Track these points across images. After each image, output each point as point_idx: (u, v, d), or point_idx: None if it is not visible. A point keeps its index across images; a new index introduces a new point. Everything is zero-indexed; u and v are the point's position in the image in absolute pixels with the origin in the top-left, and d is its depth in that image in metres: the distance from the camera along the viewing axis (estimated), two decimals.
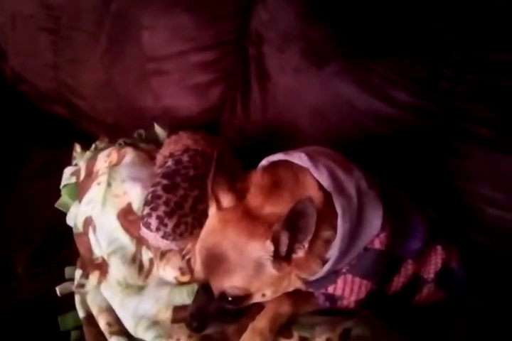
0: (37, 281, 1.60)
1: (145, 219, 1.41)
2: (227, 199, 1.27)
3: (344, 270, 1.28)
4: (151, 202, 1.43)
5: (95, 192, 1.59)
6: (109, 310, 1.43)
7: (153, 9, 1.96)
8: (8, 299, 1.56)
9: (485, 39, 1.61)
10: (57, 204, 1.72)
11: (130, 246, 1.50)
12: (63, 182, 1.74)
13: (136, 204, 1.52)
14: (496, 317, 1.49)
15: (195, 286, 1.33)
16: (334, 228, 1.23)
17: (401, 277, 1.37)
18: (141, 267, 1.47)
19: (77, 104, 2.17)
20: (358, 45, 1.74)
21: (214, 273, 1.21)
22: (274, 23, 1.87)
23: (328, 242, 1.23)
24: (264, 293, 1.23)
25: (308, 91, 1.80)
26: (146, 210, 1.42)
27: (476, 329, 1.41)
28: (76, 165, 1.79)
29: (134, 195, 1.54)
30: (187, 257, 1.43)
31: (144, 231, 1.42)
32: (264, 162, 1.37)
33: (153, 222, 1.40)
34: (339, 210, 1.23)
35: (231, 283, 1.20)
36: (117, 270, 1.46)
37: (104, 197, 1.56)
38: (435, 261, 1.41)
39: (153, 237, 1.41)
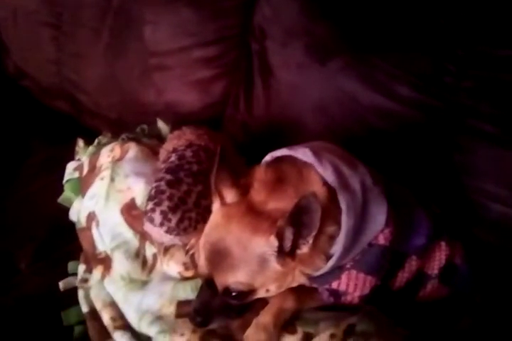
0: (40, 276, 1.59)
1: (149, 214, 1.41)
2: (230, 195, 1.26)
3: (348, 265, 1.28)
4: (154, 197, 1.42)
5: (98, 187, 1.59)
6: (113, 305, 1.43)
7: (156, 4, 1.96)
8: (11, 294, 1.55)
9: (489, 34, 1.60)
10: (60, 200, 1.72)
11: (133, 241, 1.50)
12: (66, 177, 1.74)
13: (140, 199, 1.52)
14: (499, 313, 1.49)
15: (198, 281, 1.33)
16: (338, 224, 1.23)
17: (405, 273, 1.37)
18: (144, 262, 1.47)
19: (79, 99, 2.17)
20: (361, 40, 1.73)
21: (218, 268, 1.21)
22: (277, 19, 1.86)
23: (333, 238, 1.23)
24: (268, 288, 1.23)
25: (312, 86, 1.79)
26: (150, 205, 1.41)
27: (480, 325, 1.41)
28: (79, 160, 1.79)
29: (138, 190, 1.54)
30: (191, 252, 1.43)
31: (148, 226, 1.42)
32: (267, 157, 1.36)
33: (157, 217, 1.39)
34: (343, 206, 1.22)
35: (235, 278, 1.19)
36: (121, 265, 1.46)
37: (107, 192, 1.55)
38: (439, 257, 1.40)
39: (156, 232, 1.41)
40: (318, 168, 1.26)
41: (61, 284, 1.52)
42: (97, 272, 1.49)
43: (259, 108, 1.90)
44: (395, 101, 1.68)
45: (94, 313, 1.44)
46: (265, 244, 1.18)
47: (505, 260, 1.58)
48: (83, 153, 1.78)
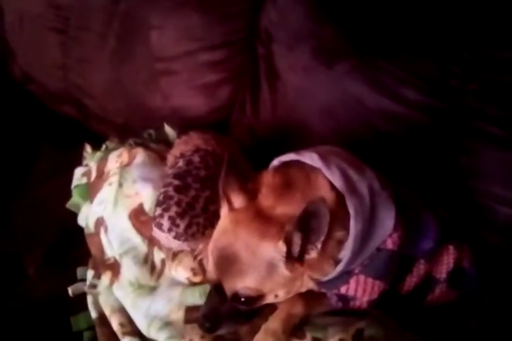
0: (49, 282, 1.60)
1: (157, 220, 1.41)
2: (238, 200, 1.26)
3: (357, 270, 1.28)
4: (162, 202, 1.43)
5: (106, 192, 1.59)
6: (122, 311, 1.43)
7: (162, 9, 1.96)
8: (20, 299, 1.56)
9: (495, 37, 1.61)
10: (68, 205, 1.72)
11: (142, 246, 1.50)
12: (74, 182, 1.75)
13: (148, 205, 1.52)
14: (507, 316, 1.49)
15: (207, 287, 1.32)
16: (347, 228, 1.23)
17: (413, 277, 1.37)
18: (153, 268, 1.47)
19: (86, 103, 2.17)
20: (367, 44, 1.73)
21: (226, 273, 1.21)
22: (283, 23, 1.86)
23: (341, 243, 1.23)
24: (276, 293, 1.23)
25: (318, 90, 1.79)
26: (158, 211, 1.42)
27: (487, 329, 1.41)
28: (87, 165, 1.79)
29: (146, 195, 1.54)
30: (199, 258, 1.43)
31: (156, 232, 1.42)
32: (275, 162, 1.37)
33: (165, 223, 1.40)
34: (352, 211, 1.22)
35: (244, 283, 1.20)
36: (129, 270, 1.46)
37: (115, 197, 1.56)
38: (447, 261, 1.40)
39: (165, 238, 1.41)
40: (325, 173, 1.26)
41: (70, 290, 1.52)
42: (106, 278, 1.49)
43: (266, 112, 1.90)
44: (401, 104, 1.68)
45: (103, 319, 1.44)
46: (274, 250, 1.18)
47: None
48: (91, 159, 1.79)
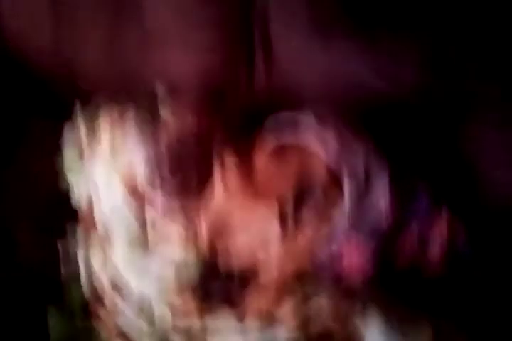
0: (41, 249, 1.58)
1: (151, 198, 1.41)
2: (234, 173, 1.26)
3: (352, 240, 1.28)
4: (157, 181, 1.42)
5: (100, 165, 1.57)
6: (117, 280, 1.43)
7: None
8: (12, 268, 1.56)
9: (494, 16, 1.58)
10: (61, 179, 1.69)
11: (137, 220, 1.48)
12: (65, 154, 1.72)
13: (142, 182, 1.49)
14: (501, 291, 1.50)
15: (201, 262, 1.33)
16: (342, 203, 1.23)
17: (406, 246, 1.38)
18: (147, 241, 1.47)
19: (78, 77, 2.13)
20: (365, 15, 1.71)
21: (221, 245, 1.22)
22: None
23: (336, 219, 1.24)
24: (271, 270, 1.24)
25: (314, 62, 1.77)
26: (153, 189, 1.42)
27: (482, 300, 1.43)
28: (77, 134, 1.76)
29: (140, 169, 1.51)
30: (195, 231, 1.43)
31: (151, 210, 1.42)
32: (270, 122, 1.34)
33: (160, 201, 1.40)
34: (346, 185, 1.23)
35: (238, 259, 1.21)
36: (124, 244, 1.46)
37: (109, 170, 1.54)
38: (439, 233, 1.41)
39: (160, 212, 1.41)
40: (319, 148, 1.26)
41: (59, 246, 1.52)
42: (101, 250, 1.49)
43: (261, 82, 1.87)
44: (398, 79, 1.65)
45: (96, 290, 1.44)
46: (268, 225, 1.19)
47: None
48: (81, 125, 1.75)
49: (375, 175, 1.26)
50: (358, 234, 1.26)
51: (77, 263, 1.50)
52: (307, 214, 1.18)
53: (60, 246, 1.51)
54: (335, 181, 1.23)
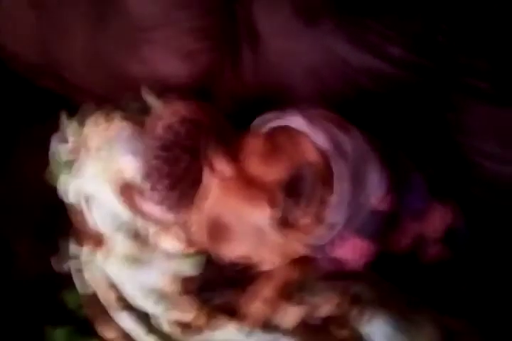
0: (40, 259, 1.58)
1: (147, 194, 1.40)
2: (226, 169, 1.25)
3: (348, 233, 1.28)
4: (152, 175, 1.42)
5: (92, 168, 1.57)
6: (115, 286, 1.43)
7: None
8: (11, 279, 1.56)
9: None
10: (51, 181, 1.69)
11: (133, 220, 1.48)
12: (55, 157, 1.71)
13: (136, 179, 1.49)
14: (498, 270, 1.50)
15: (201, 257, 1.33)
16: (336, 191, 1.23)
17: (404, 237, 1.38)
18: (145, 241, 1.47)
19: (66, 76, 2.11)
20: (351, 1, 1.69)
21: (218, 242, 1.22)
22: None
23: (331, 206, 1.23)
24: (269, 260, 1.24)
25: (301, 50, 1.75)
26: (148, 184, 1.41)
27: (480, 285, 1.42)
28: (66, 137, 1.75)
29: (134, 169, 1.51)
30: (191, 229, 1.43)
31: (147, 206, 1.42)
32: (257, 122, 1.35)
33: (156, 196, 1.39)
34: (339, 173, 1.22)
35: (235, 252, 1.20)
36: (122, 245, 1.46)
37: (102, 173, 1.54)
38: (436, 220, 1.41)
39: (156, 210, 1.41)
40: (311, 136, 1.26)
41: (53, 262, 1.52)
42: (98, 253, 1.49)
43: (248, 76, 1.86)
44: (387, 62, 1.64)
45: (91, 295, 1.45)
46: (263, 216, 1.18)
47: (503, 218, 1.58)
48: (68, 128, 1.75)
49: (368, 162, 1.25)
50: (354, 224, 1.26)
51: (71, 269, 1.51)
52: (302, 204, 1.17)
53: (56, 259, 1.52)
54: (327, 169, 1.22)
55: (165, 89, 1.88)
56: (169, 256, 1.43)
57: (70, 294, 1.48)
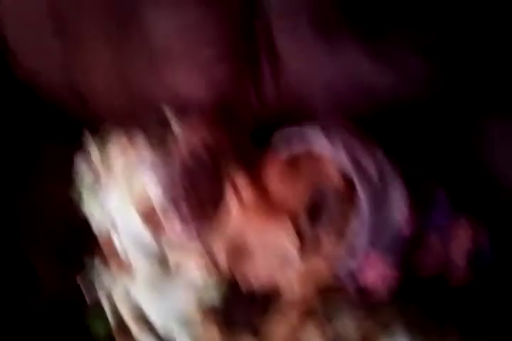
0: (60, 278, 1.59)
1: (169, 220, 1.40)
2: (247, 193, 1.25)
3: (372, 257, 1.27)
4: (174, 200, 1.42)
5: (115, 193, 1.57)
6: (138, 312, 1.43)
7: None
8: (32, 298, 1.55)
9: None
10: (78, 205, 1.70)
11: (155, 247, 1.47)
12: (78, 178, 1.73)
13: (159, 205, 1.49)
14: None
15: (222, 284, 1.32)
16: (359, 214, 1.21)
17: (428, 255, 1.36)
18: (167, 268, 1.46)
19: (86, 98, 2.14)
20: (369, 15, 1.68)
21: (241, 267, 1.21)
22: None
23: (354, 229, 1.22)
24: (292, 285, 1.23)
25: (321, 67, 1.75)
26: (170, 211, 1.41)
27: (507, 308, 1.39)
28: (90, 160, 1.76)
29: (156, 193, 1.51)
30: (213, 255, 1.42)
31: (169, 232, 1.42)
32: (277, 138, 1.33)
33: (178, 223, 1.39)
34: (362, 195, 1.21)
35: (258, 278, 1.19)
36: (144, 271, 1.45)
37: (125, 196, 1.54)
38: (462, 239, 1.38)
39: (178, 237, 1.41)
40: (333, 157, 1.24)
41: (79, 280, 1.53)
42: (120, 278, 1.49)
43: (269, 94, 1.85)
44: (407, 76, 1.63)
45: (120, 323, 1.44)
46: (286, 241, 1.17)
47: None
48: (93, 150, 1.76)
49: (390, 183, 1.24)
50: (378, 248, 1.25)
51: (98, 294, 1.51)
52: (324, 227, 1.17)
53: (80, 278, 1.53)
54: (350, 191, 1.21)
55: (187, 111, 1.91)
56: (192, 282, 1.42)
57: (97, 320, 1.48)
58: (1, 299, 1.55)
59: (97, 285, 1.54)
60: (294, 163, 1.26)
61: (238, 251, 1.21)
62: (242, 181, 1.24)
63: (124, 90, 2.04)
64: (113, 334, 1.45)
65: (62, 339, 1.47)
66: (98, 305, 1.50)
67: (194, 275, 1.43)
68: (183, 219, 1.39)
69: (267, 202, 1.22)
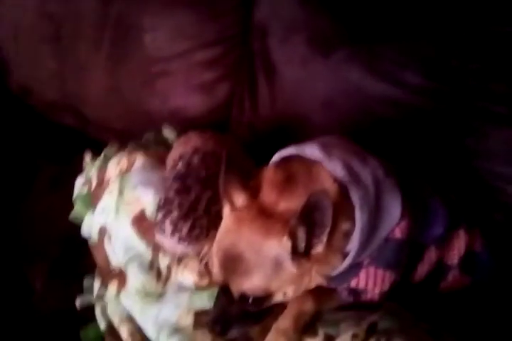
0: (56, 295, 1.58)
1: (159, 225, 1.40)
2: (240, 199, 1.23)
3: (366, 262, 1.25)
4: (163, 206, 1.42)
5: (108, 200, 1.57)
6: (130, 320, 1.41)
7: (153, 10, 1.93)
8: (27, 314, 1.55)
9: (492, 13, 1.58)
10: (71, 216, 1.70)
11: (146, 253, 1.48)
12: (75, 192, 1.73)
13: (150, 210, 1.50)
14: None
15: (215, 290, 1.29)
16: (352, 220, 1.20)
17: (425, 265, 1.35)
18: (159, 274, 1.45)
19: (84, 112, 2.15)
20: (363, 30, 1.72)
21: (232, 274, 1.19)
22: (276, 15, 1.85)
23: (347, 235, 1.20)
24: (285, 291, 1.20)
25: (317, 81, 1.78)
26: (160, 215, 1.41)
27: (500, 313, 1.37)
28: (87, 174, 1.77)
29: (147, 200, 1.52)
30: (204, 260, 1.41)
31: (159, 237, 1.41)
32: (276, 157, 1.34)
33: (168, 227, 1.38)
34: (356, 201, 1.20)
35: (250, 283, 1.17)
36: (135, 278, 1.44)
37: (116, 205, 1.54)
38: (458, 246, 1.37)
39: (168, 242, 1.40)
40: (327, 165, 1.24)
41: (77, 302, 1.51)
42: (112, 287, 1.48)
43: (265, 107, 1.88)
44: (402, 89, 1.66)
45: (112, 329, 1.42)
46: (278, 246, 1.15)
47: None
48: (91, 167, 1.76)
49: (385, 193, 1.23)
50: (371, 255, 1.24)
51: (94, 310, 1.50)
52: (317, 233, 1.15)
53: (78, 300, 1.52)
54: (344, 198, 1.20)
55: (183, 121, 1.92)
56: (183, 289, 1.40)
57: (90, 330, 1.46)
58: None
59: (90, 295, 1.53)
60: (287, 171, 1.25)
61: (230, 258, 1.18)
62: (234, 188, 1.23)
63: (120, 102, 2.05)
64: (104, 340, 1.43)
65: None
66: (90, 313, 1.48)
67: (184, 283, 1.42)
68: (170, 225, 1.39)
69: (260, 209, 1.20)
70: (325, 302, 1.28)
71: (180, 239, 1.38)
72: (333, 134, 1.41)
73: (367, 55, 1.70)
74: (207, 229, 1.40)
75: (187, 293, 1.38)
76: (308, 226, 1.13)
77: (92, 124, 2.17)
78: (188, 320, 1.33)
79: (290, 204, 1.19)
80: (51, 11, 2.08)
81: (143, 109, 2.02)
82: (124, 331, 1.39)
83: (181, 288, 1.41)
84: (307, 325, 1.24)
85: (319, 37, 1.77)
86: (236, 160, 1.29)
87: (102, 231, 1.57)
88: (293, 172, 1.25)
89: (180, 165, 1.51)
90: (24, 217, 1.82)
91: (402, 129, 1.66)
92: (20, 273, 1.67)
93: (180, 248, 1.40)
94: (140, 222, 1.51)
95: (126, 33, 1.98)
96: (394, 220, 1.24)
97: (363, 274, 1.25)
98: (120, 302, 1.45)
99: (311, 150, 1.26)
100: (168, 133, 1.83)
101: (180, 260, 1.43)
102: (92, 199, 1.65)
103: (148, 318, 1.38)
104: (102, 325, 1.44)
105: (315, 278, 1.22)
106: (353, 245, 1.20)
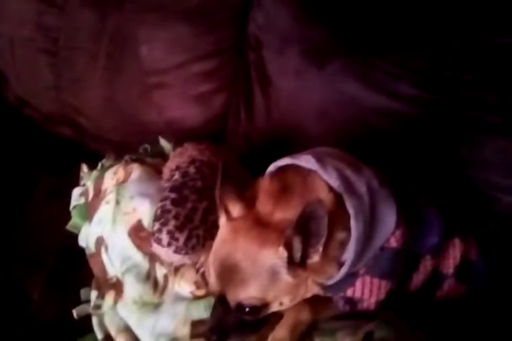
0: (53, 305, 1.58)
1: (156, 235, 1.40)
2: (236, 209, 1.24)
3: (362, 271, 1.26)
4: (160, 217, 1.42)
5: (104, 211, 1.58)
6: (127, 330, 1.41)
7: (149, 22, 1.94)
8: (25, 325, 1.54)
9: (485, 24, 1.59)
10: (68, 226, 1.70)
11: (143, 263, 1.48)
12: (72, 203, 1.73)
13: (146, 221, 1.51)
14: None
15: (211, 300, 1.31)
16: (348, 229, 1.21)
17: (420, 274, 1.35)
18: (155, 284, 1.45)
19: (81, 123, 2.15)
20: (357, 42, 1.73)
21: (229, 284, 1.19)
22: (271, 27, 1.85)
23: (343, 244, 1.21)
24: (281, 301, 1.21)
25: (312, 92, 1.78)
26: (156, 226, 1.41)
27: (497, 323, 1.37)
28: (84, 185, 1.78)
29: (144, 211, 1.53)
30: (201, 270, 1.42)
31: (156, 247, 1.41)
32: (271, 168, 1.35)
33: (164, 237, 1.39)
34: (351, 211, 1.20)
35: (247, 293, 1.17)
36: (132, 288, 1.45)
37: (113, 215, 1.54)
38: (454, 255, 1.38)
39: (165, 253, 1.40)
40: (322, 175, 1.24)
41: (75, 312, 1.51)
42: (109, 297, 1.48)
43: (261, 118, 1.89)
44: (397, 100, 1.67)
45: (109, 340, 1.42)
46: (274, 256, 1.16)
47: None
48: (88, 178, 1.77)
49: (380, 203, 1.24)
50: (366, 265, 1.24)
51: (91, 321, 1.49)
52: (312, 243, 1.16)
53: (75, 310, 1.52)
54: (339, 208, 1.21)
55: (179, 132, 1.93)
56: (180, 299, 1.41)
57: (84, 339, 1.46)
58: None
59: (87, 305, 1.53)
60: (283, 181, 1.26)
61: (226, 268, 1.18)
62: (231, 198, 1.24)
63: (117, 113, 2.05)
64: None
65: None
66: (87, 323, 1.48)
67: (180, 293, 1.43)
68: (166, 236, 1.39)
69: (255, 219, 1.21)
70: (321, 312, 1.29)
71: (177, 249, 1.39)
72: (328, 145, 1.42)
73: (361, 67, 1.71)
74: (203, 239, 1.41)
75: (184, 303, 1.38)
76: (304, 236, 1.14)
77: (89, 136, 2.17)
78: (184, 330, 1.33)
79: (286, 214, 1.20)
80: (48, 23, 2.09)
81: (139, 121, 2.03)
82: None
83: (178, 298, 1.41)
84: (304, 334, 1.25)
85: (314, 48, 1.77)
86: (232, 171, 1.29)
87: (99, 242, 1.57)
88: (288, 182, 1.26)
89: (176, 175, 1.52)
90: (22, 227, 1.82)
91: (396, 140, 1.67)
92: (18, 284, 1.67)
93: (176, 258, 1.40)
94: (137, 232, 1.51)
95: (122, 45, 1.99)
96: (389, 229, 1.25)
97: (359, 283, 1.26)
98: (117, 312, 1.45)
99: (306, 161, 1.27)
100: (164, 144, 1.84)
101: (177, 270, 1.44)
102: (89, 210, 1.65)
103: (145, 328, 1.38)
104: (99, 336, 1.44)
105: (311, 288, 1.23)
106: (349, 254, 1.21)
